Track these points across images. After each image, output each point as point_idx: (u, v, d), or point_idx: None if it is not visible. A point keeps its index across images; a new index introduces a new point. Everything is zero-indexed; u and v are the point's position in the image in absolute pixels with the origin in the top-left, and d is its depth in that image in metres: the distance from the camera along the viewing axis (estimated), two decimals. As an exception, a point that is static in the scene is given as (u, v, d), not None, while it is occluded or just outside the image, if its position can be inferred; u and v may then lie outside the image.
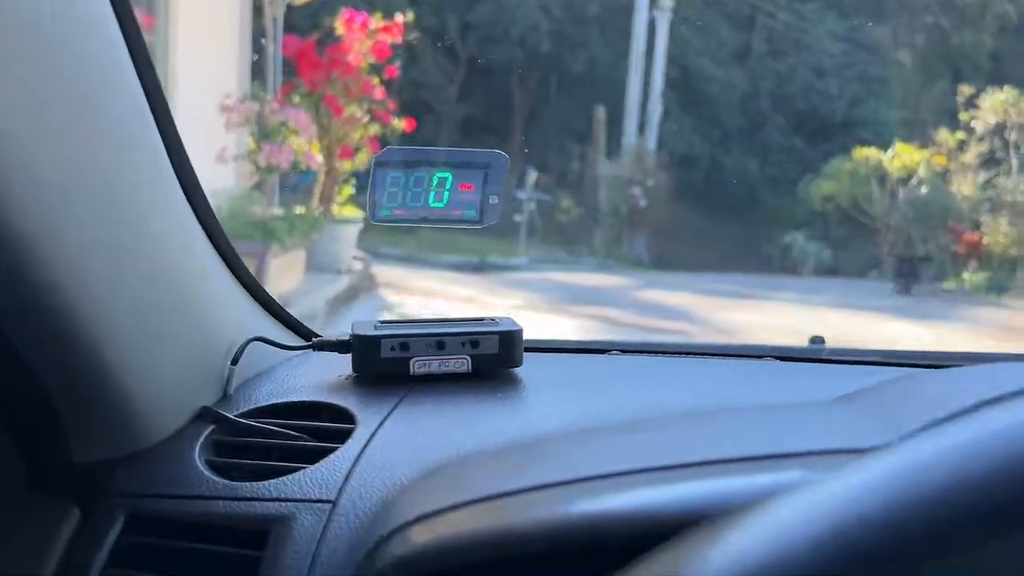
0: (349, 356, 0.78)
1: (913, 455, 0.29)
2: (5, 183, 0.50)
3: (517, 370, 0.80)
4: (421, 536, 0.50)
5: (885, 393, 0.57)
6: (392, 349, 0.77)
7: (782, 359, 0.90)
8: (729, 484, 0.46)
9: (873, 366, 0.88)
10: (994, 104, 9.86)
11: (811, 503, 0.27)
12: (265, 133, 5.90)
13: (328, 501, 0.61)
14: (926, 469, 0.27)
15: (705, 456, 0.48)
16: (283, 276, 5.36)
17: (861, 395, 0.59)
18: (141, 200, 0.65)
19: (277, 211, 6.00)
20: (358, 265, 6.91)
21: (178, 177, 0.71)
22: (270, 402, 0.74)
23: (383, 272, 7.24)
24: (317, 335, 0.87)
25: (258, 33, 7.03)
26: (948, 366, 0.86)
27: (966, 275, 9.21)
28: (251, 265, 4.80)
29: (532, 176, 10.34)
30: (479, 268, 8.81)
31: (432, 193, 0.83)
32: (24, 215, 0.52)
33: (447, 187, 0.83)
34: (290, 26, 7.32)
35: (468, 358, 0.77)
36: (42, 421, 0.65)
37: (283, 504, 0.61)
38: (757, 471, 0.46)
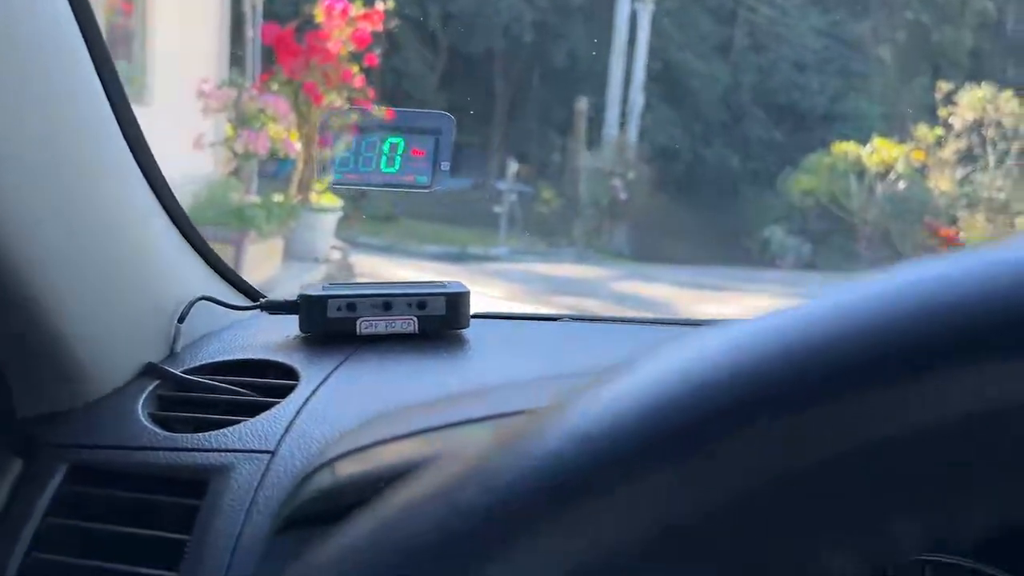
0: (296, 317, 0.79)
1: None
2: None
3: (464, 332, 0.81)
4: (347, 469, 0.51)
5: None
6: (339, 309, 0.77)
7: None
8: None
9: None
10: (972, 101, 9.94)
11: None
12: (243, 120, 5.87)
13: (267, 451, 0.61)
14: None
15: None
16: (260, 264, 5.34)
17: None
18: (85, 154, 0.66)
19: (254, 198, 5.98)
20: (336, 254, 6.89)
21: (124, 134, 0.71)
22: (215, 359, 0.74)
23: (361, 261, 7.23)
24: (265, 296, 0.87)
25: (237, 19, 6.99)
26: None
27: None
28: (228, 252, 4.79)
29: (513, 167, 10.33)
30: (459, 258, 8.81)
31: (384, 158, 0.84)
32: None
33: (399, 152, 0.84)
34: (270, 13, 7.28)
35: (415, 319, 0.78)
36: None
37: (222, 455, 0.62)
38: None
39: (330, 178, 0.82)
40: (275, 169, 6.83)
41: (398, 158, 0.84)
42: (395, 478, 0.48)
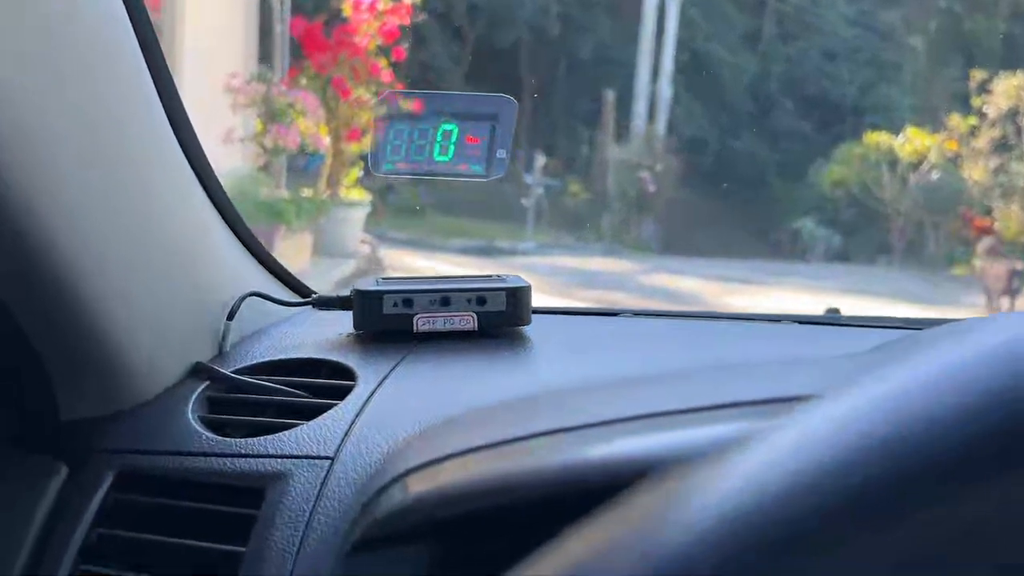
0: (350, 314, 0.75)
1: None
2: None
3: (525, 329, 0.77)
4: (418, 485, 0.47)
5: (882, 350, 0.54)
6: (395, 305, 0.73)
7: (801, 323, 0.87)
8: (726, 429, 0.43)
9: (889, 329, 0.85)
10: (1007, 89, 9.77)
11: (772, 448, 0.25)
12: (272, 115, 5.87)
13: (327, 457, 0.58)
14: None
15: (707, 402, 0.45)
16: (290, 258, 5.34)
17: (865, 353, 0.56)
18: (135, 154, 0.62)
19: (284, 193, 5.98)
20: (365, 248, 6.89)
21: (174, 128, 0.68)
22: (267, 359, 0.71)
23: (390, 255, 7.22)
24: (316, 293, 0.84)
25: (265, 14, 6.99)
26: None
27: (977, 260, 9.15)
28: (258, 247, 4.79)
29: (540, 161, 10.28)
30: (486, 252, 8.78)
31: (437, 146, 0.80)
32: (14, 168, 0.49)
33: (452, 140, 0.80)
34: (298, 7, 7.28)
35: (474, 315, 0.74)
36: (30, 377, 0.62)
37: (279, 461, 0.58)
38: (743, 418, 0.43)
39: (380, 168, 0.78)
40: (305, 163, 6.83)
41: (452, 146, 0.80)
42: (466, 497, 0.45)
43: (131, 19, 0.61)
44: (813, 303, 6.84)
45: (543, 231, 10.12)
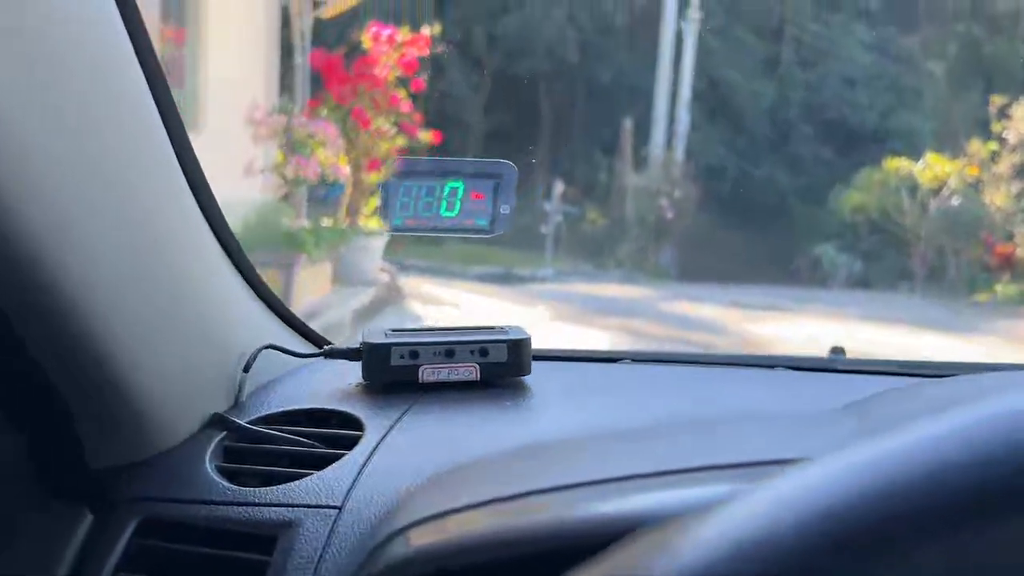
0: (359, 364, 0.79)
1: (848, 461, 0.29)
2: (20, 195, 0.51)
3: (526, 378, 0.81)
4: (421, 538, 0.51)
5: (879, 403, 0.57)
6: (402, 357, 0.77)
7: (795, 369, 0.90)
8: (716, 490, 0.46)
9: (887, 376, 0.88)
10: (1028, 114, 9.74)
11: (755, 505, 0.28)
12: (293, 146, 5.95)
13: (334, 507, 0.61)
14: (857, 475, 0.28)
15: (700, 463, 0.48)
16: (310, 288, 5.41)
17: (862, 405, 0.59)
18: (154, 209, 0.66)
19: (304, 223, 6.05)
20: (385, 277, 6.94)
21: (190, 186, 0.72)
22: (280, 409, 0.75)
23: (409, 283, 7.27)
24: (329, 343, 0.88)
25: (286, 46, 7.11)
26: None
27: (999, 287, 9.09)
28: (278, 277, 4.87)
29: (559, 188, 10.34)
30: (505, 280, 8.82)
31: (444, 203, 0.84)
32: (38, 222, 0.53)
33: (459, 197, 0.84)
34: (318, 39, 7.40)
35: (476, 366, 0.78)
36: (58, 428, 0.66)
37: (290, 510, 0.62)
38: (735, 479, 0.46)
39: (390, 224, 0.83)
40: (325, 193, 6.92)
41: (458, 202, 0.84)
42: (470, 552, 0.48)
43: (153, 96, 0.66)
44: (835, 330, 6.82)
45: (561, 258, 10.15)
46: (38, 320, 0.59)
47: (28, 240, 0.53)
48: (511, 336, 0.80)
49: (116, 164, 0.61)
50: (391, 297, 6.71)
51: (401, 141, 6.72)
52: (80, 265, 0.57)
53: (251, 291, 0.83)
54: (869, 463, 0.26)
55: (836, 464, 0.27)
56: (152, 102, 0.66)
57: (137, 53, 0.63)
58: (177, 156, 0.70)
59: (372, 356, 0.78)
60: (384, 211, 0.82)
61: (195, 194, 0.73)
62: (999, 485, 0.24)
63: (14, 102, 0.50)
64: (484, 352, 0.78)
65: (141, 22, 0.63)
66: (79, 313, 0.59)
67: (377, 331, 0.81)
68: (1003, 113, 9.90)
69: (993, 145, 9.88)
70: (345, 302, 5.71)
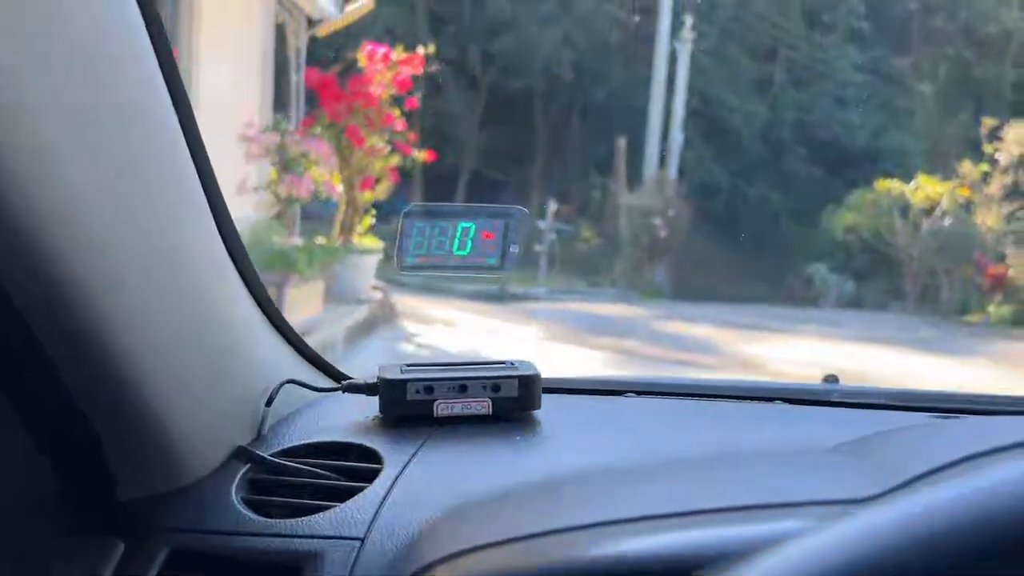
0: (376, 398, 0.82)
1: (900, 508, 0.32)
2: (52, 221, 0.54)
3: (535, 413, 0.84)
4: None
5: (883, 443, 0.60)
6: (417, 392, 0.81)
7: (792, 402, 0.94)
8: (735, 531, 0.49)
9: (881, 410, 0.91)
10: (1018, 136, 9.84)
11: (806, 552, 0.31)
12: (286, 164, 5.97)
13: (357, 538, 0.64)
14: (912, 522, 0.31)
15: (714, 504, 0.51)
16: (302, 306, 5.42)
17: (862, 444, 0.62)
18: (183, 249, 0.70)
19: (297, 241, 6.07)
20: (378, 295, 6.96)
21: (218, 226, 0.75)
22: (302, 442, 0.78)
23: (402, 301, 7.29)
24: (347, 376, 0.91)
25: (281, 64, 7.15)
26: (954, 410, 0.89)
27: (991, 308, 9.16)
28: (270, 295, 4.85)
29: (553, 207, 10.40)
30: (499, 298, 8.85)
31: (456, 241, 0.87)
32: (71, 250, 0.56)
33: (470, 236, 0.87)
34: (313, 58, 7.45)
35: (489, 401, 0.81)
36: (90, 460, 0.69)
37: (314, 541, 0.65)
38: (759, 520, 0.49)
39: (403, 262, 0.86)
40: (319, 210, 6.94)
41: (469, 241, 0.87)
42: None
43: (184, 134, 0.69)
44: (829, 351, 6.87)
45: (555, 276, 10.20)
46: (77, 362, 0.62)
47: (61, 266, 0.56)
48: (521, 372, 0.83)
49: (143, 196, 0.64)
50: (384, 315, 6.73)
51: (395, 159, 6.77)
52: (110, 295, 0.60)
53: (272, 327, 0.86)
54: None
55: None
56: (189, 155, 0.69)
57: (168, 86, 0.66)
58: (207, 197, 0.73)
59: (389, 391, 0.81)
60: (397, 251, 0.85)
61: (222, 233, 0.76)
62: None
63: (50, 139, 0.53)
64: (496, 388, 0.82)
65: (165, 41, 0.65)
66: (116, 354, 0.62)
67: (392, 366, 0.84)
68: (994, 135, 10.00)
69: (984, 166, 9.98)
70: (338, 320, 5.72)
